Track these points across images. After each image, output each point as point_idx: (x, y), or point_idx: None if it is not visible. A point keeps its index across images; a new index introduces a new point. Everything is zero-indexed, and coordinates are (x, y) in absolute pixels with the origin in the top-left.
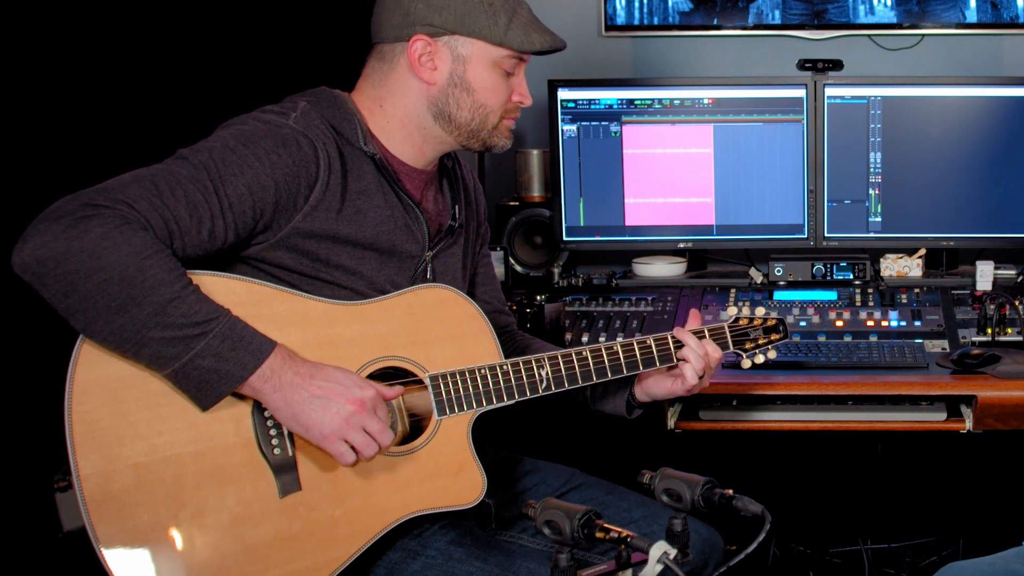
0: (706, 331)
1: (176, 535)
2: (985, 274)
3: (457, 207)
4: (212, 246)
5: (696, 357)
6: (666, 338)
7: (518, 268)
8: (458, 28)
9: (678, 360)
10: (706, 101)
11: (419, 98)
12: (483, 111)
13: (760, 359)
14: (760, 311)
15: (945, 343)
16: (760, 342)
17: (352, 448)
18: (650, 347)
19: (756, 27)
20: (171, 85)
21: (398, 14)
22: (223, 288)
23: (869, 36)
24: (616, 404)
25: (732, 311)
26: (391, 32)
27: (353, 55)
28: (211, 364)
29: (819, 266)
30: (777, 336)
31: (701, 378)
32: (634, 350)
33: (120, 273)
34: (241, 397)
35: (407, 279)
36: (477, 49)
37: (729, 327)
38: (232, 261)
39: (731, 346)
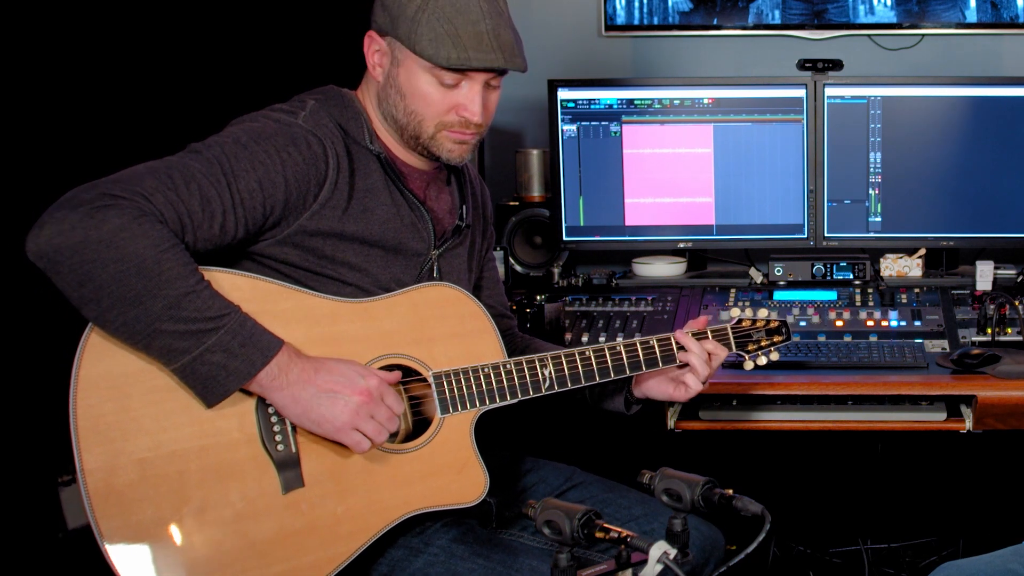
0: (708, 332)
1: (179, 530)
2: (985, 274)
3: (465, 207)
4: (222, 241)
5: (700, 362)
6: (669, 339)
7: (518, 268)
8: (392, 31)
9: (680, 364)
10: (706, 101)
11: (375, 95)
12: (415, 118)
13: (763, 361)
14: (763, 312)
15: (945, 343)
16: (763, 344)
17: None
18: (653, 347)
19: (756, 27)
20: (180, 81)
21: (374, 8)
22: (229, 284)
23: (869, 36)
24: (615, 402)
25: (735, 312)
26: (371, 26)
27: (360, 52)
28: (220, 360)
29: (819, 266)
30: (780, 338)
31: (703, 383)
32: (637, 350)
33: (137, 265)
34: (247, 393)
35: (413, 277)
36: (408, 55)
37: (732, 328)
38: (239, 257)
39: (734, 347)
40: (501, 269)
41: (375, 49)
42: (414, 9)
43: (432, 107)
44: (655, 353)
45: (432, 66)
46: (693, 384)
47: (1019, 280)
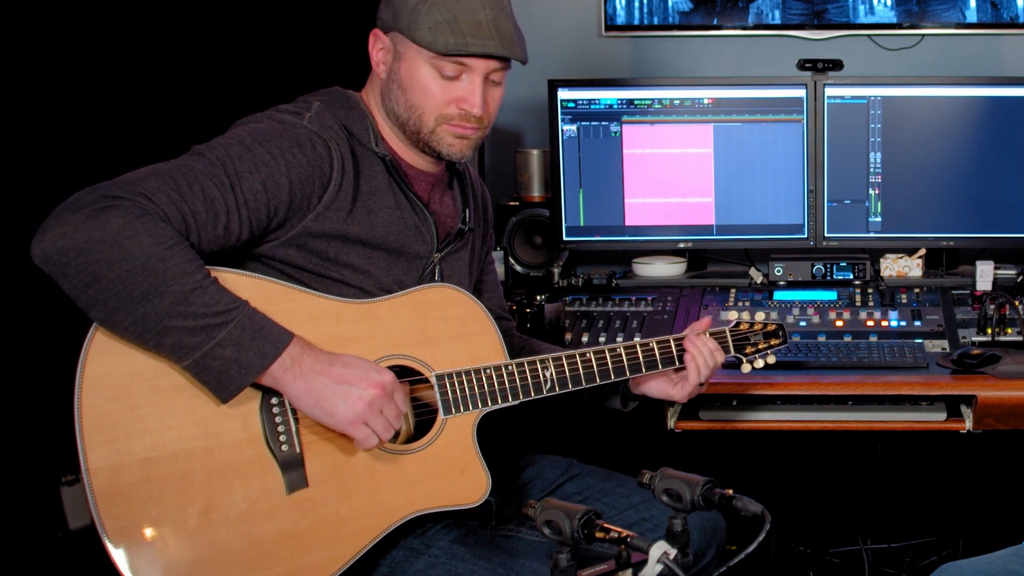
0: (707, 334)
1: (183, 530)
2: (985, 274)
3: (467, 211)
4: (226, 242)
5: (702, 363)
6: (668, 341)
7: (518, 268)
8: (394, 24)
9: (682, 361)
10: (706, 101)
11: (378, 93)
12: (416, 112)
13: (760, 364)
14: (760, 316)
15: (945, 343)
16: (760, 347)
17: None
18: (653, 349)
19: (756, 27)
20: (185, 82)
21: (380, 6)
22: (232, 284)
23: (869, 36)
24: (613, 400)
25: (733, 316)
26: (376, 24)
27: (365, 53)
28: (231, 353)
29: (819, 266)
30: (777, 341)
31: (701, 384)
32: (637, 352)
33: (143, 263)
34: (253, 390)
35: (415, 280)
36: (410, 47)
37: (730, 331)
38: (243, 258)
39: (732, 350)
40: (501, 269)
41: (379, 47)
42: (415, 1)
43: (432, 99)
44: (655, 355)
45: (433, 56)
46: (693, 378)
47: (1019, 280)
